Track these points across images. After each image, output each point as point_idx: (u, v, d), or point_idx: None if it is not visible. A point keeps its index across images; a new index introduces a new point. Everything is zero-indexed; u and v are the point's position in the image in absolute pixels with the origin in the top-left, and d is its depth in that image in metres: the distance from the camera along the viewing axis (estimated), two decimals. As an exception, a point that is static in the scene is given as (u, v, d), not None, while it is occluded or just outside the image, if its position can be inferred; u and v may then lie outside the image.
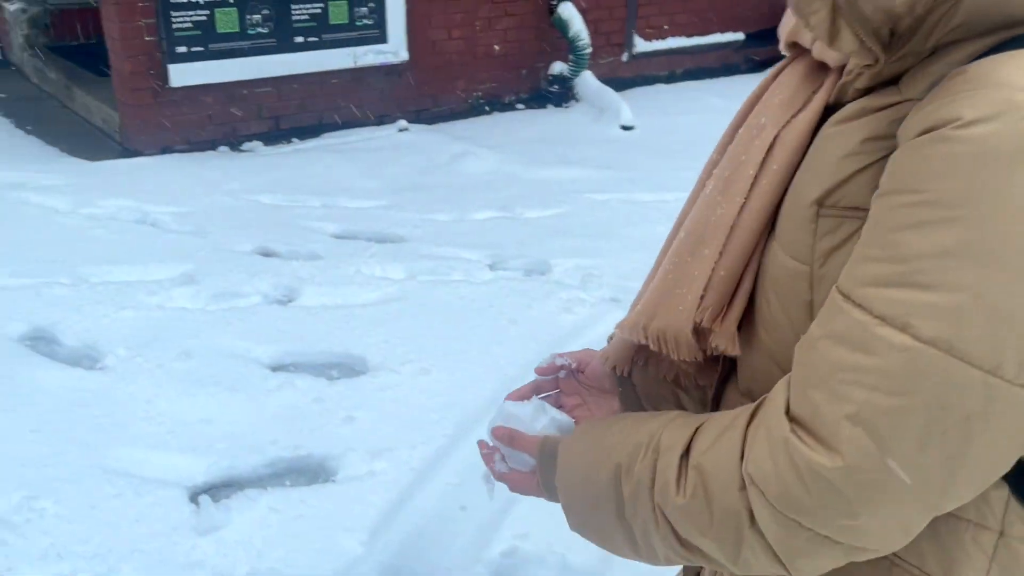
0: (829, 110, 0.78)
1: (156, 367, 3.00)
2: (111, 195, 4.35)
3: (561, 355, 1.08)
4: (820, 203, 0.74)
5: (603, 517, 0.84)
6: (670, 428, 0.81)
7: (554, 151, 5.45)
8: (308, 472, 2.61)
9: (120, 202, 4.28)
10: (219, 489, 2.51)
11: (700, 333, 0.83)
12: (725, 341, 0.82)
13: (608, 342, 1.09)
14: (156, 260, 3.72)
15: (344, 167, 4.99)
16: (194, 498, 2.44)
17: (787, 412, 0.71)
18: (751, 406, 0.76)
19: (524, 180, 4.93)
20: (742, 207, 0.80)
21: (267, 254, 3.91)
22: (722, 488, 0.73)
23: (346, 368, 3.11)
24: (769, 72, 0.89)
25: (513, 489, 1.01)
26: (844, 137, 0.73)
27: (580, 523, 0.89)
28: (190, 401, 2.84)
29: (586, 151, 5.46)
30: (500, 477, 1.01)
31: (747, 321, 0.83)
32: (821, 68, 0.81)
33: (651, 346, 0.87)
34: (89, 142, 5.21)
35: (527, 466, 0.97)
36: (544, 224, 4.35)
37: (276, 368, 3.08)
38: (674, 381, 1.00)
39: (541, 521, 2.38)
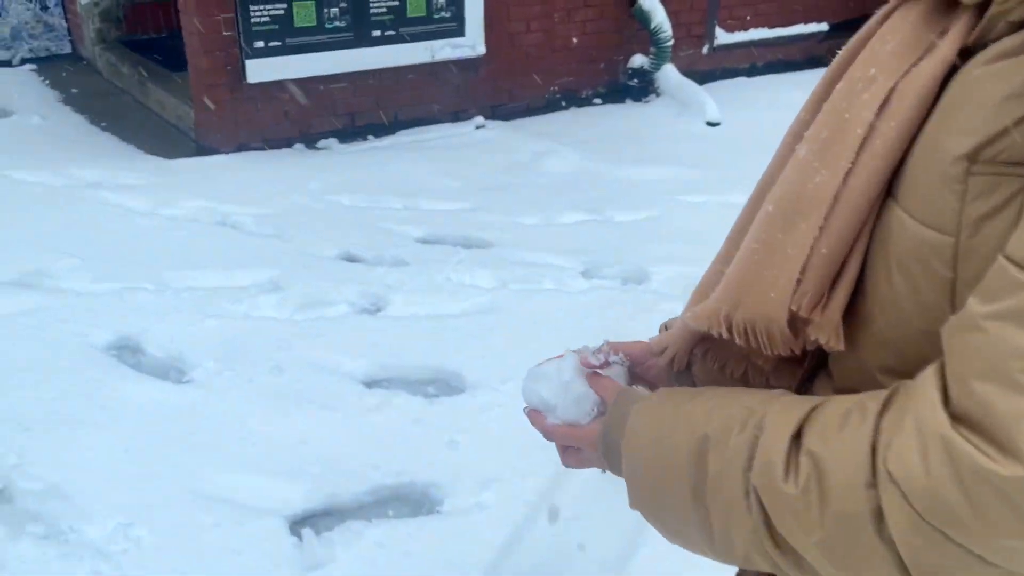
0: (964, 56, 0.64)
1: (246, 382, 2.86)
2: (190, 195, 4.24)
3: (615, 348, 0.95)
4: (971, 159, 0.60)
5: (676, 495, 0.73)
6: (775, 405, 0.69)
7: (639, 149, 5.21)
8: (412, 501, 2.44)
9: (199, 203, 4.17)
10: (320, 518, 2.36)
11: (795, 323, 0.71)
12: (827, 333, 0.70)
13: (660, 332, 0.98)
14: (239, 265, 3.59)
15: (423, 166, 4.82)
16: (296, 530, 2.28)
17: (945, 405, 0.58)
18: (880, 393, 0.64)
19: (610, 180, 4.71)
20: (848, 172, 0.67)
21: (352, 259, 3.76)
22: (844, 483, 0.61)
23: (443, 385, 2.94)
24: (871, 20, 0.74)
25: (563, 447, 0.90)
26: (1003, 77, 0.59)
27: (645, 499, 0.77)
28: (284, 420, 2.69)
29: (672, 149, 5.21)
30: (550, 432, 0.89)
31: (850, 308, 0.71)
32: (947, 8, 0.67)
33: (737, 340, 0.75)
34: (164, 139, 5.12)
35: (587, 417, 0.87)
36: (637, 228, 4.13)
37: (370, 384, 2.92)
38: (741, 379, 0.87)
39: (672, 564, 2.17)
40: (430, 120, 5.52)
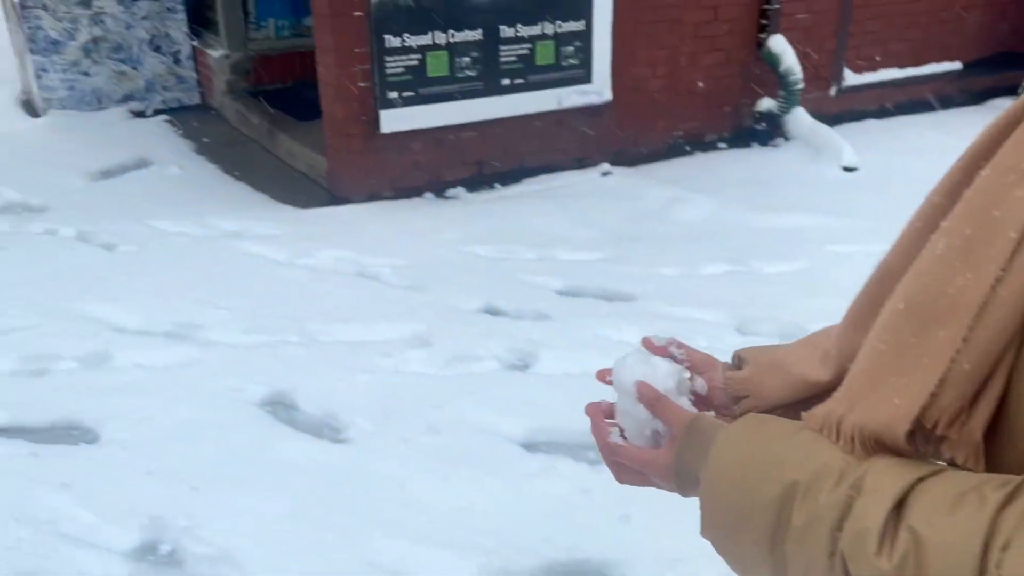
0: None
1: (403, 442, 2.79)
2: (327, 245, 4.26)
3: (680, 347, 0.94)
4: None
5: (753, 535, 0.70)
6: (878, 464, 0.64)
7: (774, 195, 5.02)
8: (589, 580, 2.30)
9: (337, 253, 4.18)
10: (494, 596, 2.24)
11: (924, 437, 0.64)
12: (965, 452, 0.63)
13: (735, 362, 0.95)
14: (383, 318, 3.56)
15: (554, 215, 4.75)
16: (473, 609, 2.17)
17: None
18: (1004, 479, 0.58)
19: (749, 228, 4.53)
20: (998, 280, 0.60)
21: (494, 312, 3.68)
22: (946, 574, 0.56)
23: (605, 450, 2.80)
24: (1020, 100, 0.66)
25: (621, 473, 0.87)
26: None
27: (716, 531, 0.74)
28: (446, 485, 2.60)
29: (809, 195, 5.00)
30: (612, 451, 0.87)
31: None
32: None
33: (841, 445, 0.68)
34: (296, 188, 5.20)
35: (652, 440, 0.85)
36: (785, 280, 3.94)
37: (529, 447, 2.81)
38: None
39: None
40: (555, 167, 5.46)
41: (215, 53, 6.77)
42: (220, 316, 3.58)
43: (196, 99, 7.24)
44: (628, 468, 0.87)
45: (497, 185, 5.27)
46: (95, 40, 6.70)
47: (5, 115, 6.90)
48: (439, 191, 5.13)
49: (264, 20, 6.94)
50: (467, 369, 3.22)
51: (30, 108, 7.12)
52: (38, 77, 6.56)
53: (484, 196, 5.13)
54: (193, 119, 6.85)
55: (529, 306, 3.69)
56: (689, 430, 0.80)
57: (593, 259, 4.20)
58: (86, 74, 6.72)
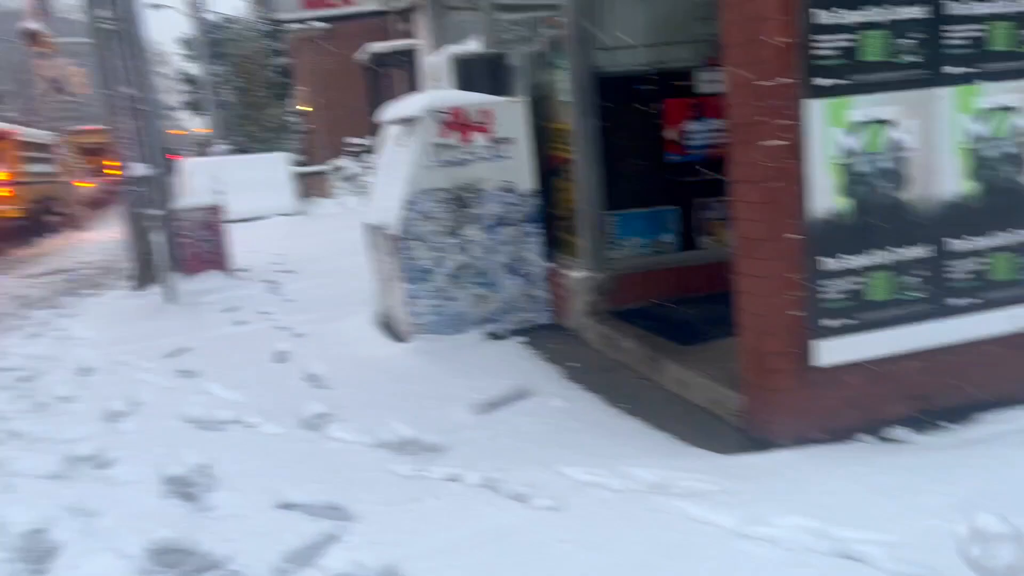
0: None
1: None
2: (779, 509, 3.51)
3: None
4: None
5: None
6: None
7: None
8: None
9: (796, 521, 3.41)
10: None
11: None
12: None
13: None
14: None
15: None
16: None
17: None
18: None
19: None
20: None
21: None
22: None
23: None
24: None
25: None
26: None
27: None
28: None
29: None
30: None
31: None
32: None
33: None
34: (699, 426, 4.60)
35: None
36: None
37: None
38: None
39: None
40: (1011, 400, 4.44)
41: (575, 274, 6.63)
42: (689, 610, 2.90)
43: (547, 319, 7.12)
44: None
45: (946, 423, 4.33)
46: (461, 267, 6.84)
47: (372, 340, 7.15)
48: (875, 431, 4.29)
49: (623, 239, 6.78)
50: None
51: (389, 331, 7.35)
52: (410, 303, 6.73)
53: (938, 439, 4.20)
54: (548, 340, 6.66)
55: (1122, 623, 2.65)
56: None
57: None
58: (451, 299, 6.83)
